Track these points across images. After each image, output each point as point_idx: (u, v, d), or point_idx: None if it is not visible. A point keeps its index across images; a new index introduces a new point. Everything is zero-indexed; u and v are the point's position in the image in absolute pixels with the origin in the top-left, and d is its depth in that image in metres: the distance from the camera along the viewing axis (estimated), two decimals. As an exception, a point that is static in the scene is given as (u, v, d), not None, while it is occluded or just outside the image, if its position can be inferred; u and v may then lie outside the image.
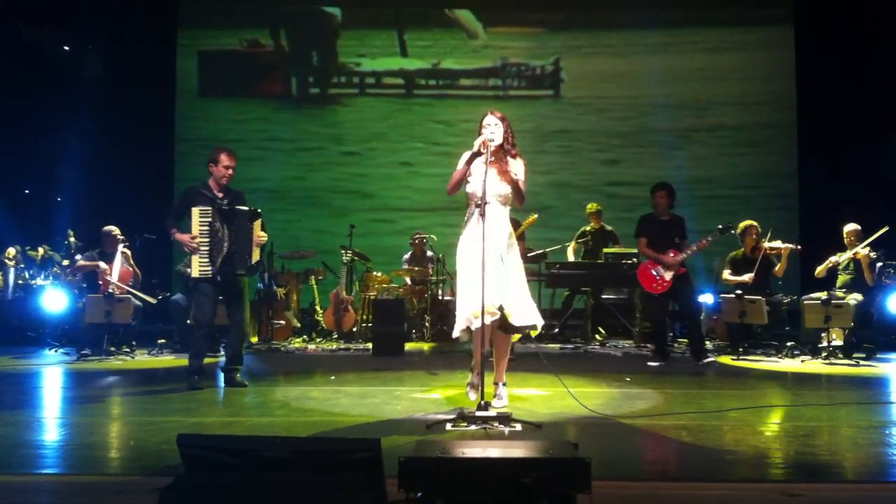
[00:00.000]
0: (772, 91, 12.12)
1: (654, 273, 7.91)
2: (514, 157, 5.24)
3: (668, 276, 7.85)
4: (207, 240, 6.15)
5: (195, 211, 6.18)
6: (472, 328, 5.02)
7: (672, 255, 7.88)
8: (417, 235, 10.32)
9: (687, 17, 12.35)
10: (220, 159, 6.26)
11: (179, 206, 6.37)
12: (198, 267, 6.16)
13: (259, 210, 6.39)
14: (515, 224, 8.42)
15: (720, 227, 8.22)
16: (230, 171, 6.29)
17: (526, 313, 5.15)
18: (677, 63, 12.19)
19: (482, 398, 4.77)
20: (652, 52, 12.18)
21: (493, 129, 5.18)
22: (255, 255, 6.36)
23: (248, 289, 6.63)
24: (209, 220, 6.16)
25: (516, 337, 5.37)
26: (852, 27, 11.09)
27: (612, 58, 12.31)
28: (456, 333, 5.16)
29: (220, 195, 6.30)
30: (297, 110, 12.50)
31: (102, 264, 8.65)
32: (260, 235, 6.35)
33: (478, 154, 5.07)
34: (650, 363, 7.88)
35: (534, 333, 5.32)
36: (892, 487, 3.60)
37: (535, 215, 8.93)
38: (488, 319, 4.86)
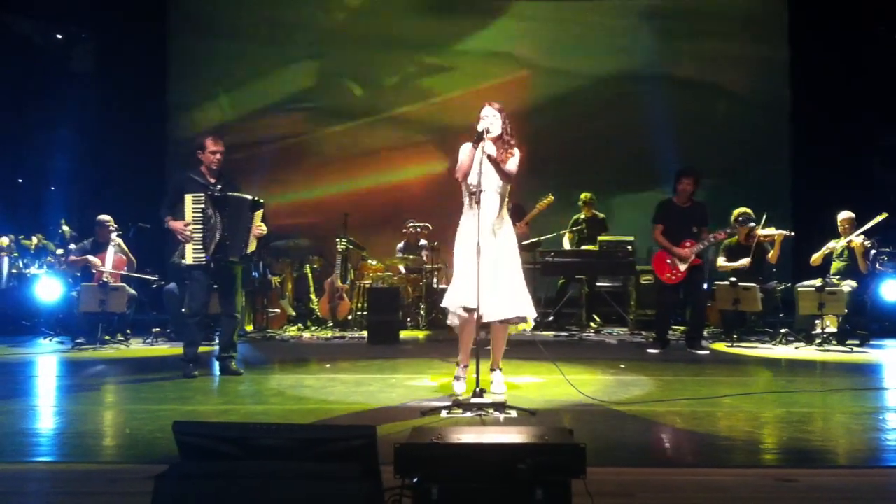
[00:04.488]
0: (766, 77, 12.07)
1: (669, 262, 7.86)
2: (512, 146, 5.25)
3: (684, 266, 7.77)
4: (200, 227, 6.12)
5: (188, 198, 6.15)
6: (457, 321, 5.21)
7: (689, 244, 7.80)
8: (411, 224, 10.31)
9: (678, 4, 12.34)
10: (205, 145, 6.24)
11: (173, 194, 6.33)
12: (191, 254, 6.14)
13: (261, 200, 6.35)
14: (521, 210, 8.41)
15: (740, 218, 8.21)
16: (217, 156, 6.25)
17: (515, 305, 5.17)
18: (670, 49, 12.14)
19: (477, 385, 4.78)
20: (643, 39, 12.13)
21: (490, 121, 5.20)
22: (252, 245, 6.32)
23: (242, 277, 6.61)
24: (202, 206, 6.13)
25: (520, 328, 5.38)
26: (848, 15, 11.07)
27: (601, 48, 12.26)
28: (451, 321, 5.31)
29: (213, 181, 6.27)
30: (292, 104, 12.42)
31: (92, 258, 8.63)
32: (260, 227, 6.31)
33: (481, 137, 5.07)
34: (650, 350, 7.89)
35: (527, 326, 5.35)
36: (884, 472, 3.62)
37: (551, 196, 8.77)
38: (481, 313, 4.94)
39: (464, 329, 5.27)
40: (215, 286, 6.39)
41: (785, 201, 11.76)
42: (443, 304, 5.39)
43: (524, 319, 5.26)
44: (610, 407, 4.93)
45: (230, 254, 6.21)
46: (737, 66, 12.10)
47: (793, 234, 8.86)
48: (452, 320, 5.28)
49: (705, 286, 9.27)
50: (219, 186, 6.24)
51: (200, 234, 6.13)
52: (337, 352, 7.97)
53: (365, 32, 12.30)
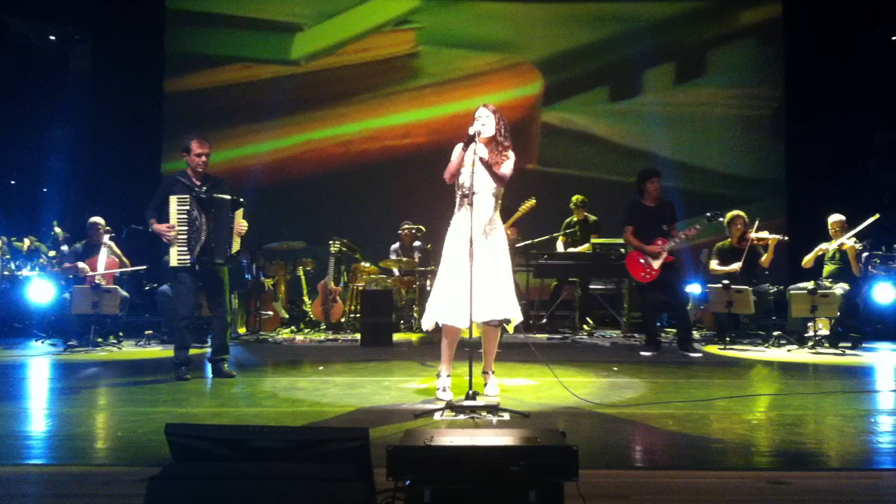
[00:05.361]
0: (761, 80, 12.10)
1: (643, 262, 7.89)
2: (506, 149, 5.23)
3: (657, 264, 7.81)
4: (185, 228, 6.10)
5: (172, 199, 6.13)
6: (440, 324, 5.18)
7: (660, 243, 7.83)
8: (406, 226, 10.30)
9: (676, 5, 12.36)
10: (191, 148, 6.20)
11: (158, 196, 6.29)
12: (176, 256, 6.12)
13: (241, 199, 6.33)
14: (509, 212, 8.44)
15: (708, 214, 8.17)
16: (203, 158, 6.22)
17: (505, 307, 5.15)
18: (666, 50, 12.16)
19: (470, 388, 4.78)
20: (640, 39, 12.14)
21: (483, 122, 5.19)
22: (236, 245, 6.31)
23: (230, 278, 6.57)
24: (186, 208, 6.11)
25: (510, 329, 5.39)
26: (842, 17, 11.11)
27: (596, 45, 12.26)
28: (425, 326, 5.29)
29: (199, 183, 6.24)
30: (287, 96, 12.39)
31: (81, 264, 8.62)
32: (241, 224, 6.30)
33: (472, 140, 5.05)
34: (643, 353, 7.90)
35: (509, 329, 5.37)
36: (876, 475, 3.63)
37: (534, 200, 8.83)
38: (465, 324, 4.95)
39: (446, 339, 5.27)
40: (200, 284, 6.36)
41: (780, 202, 11.79)
42: (423, 323, 5.32)
43: (508, 321, 5.25)
44: (603, 409, 4.93)
45: (216, 256, 6.19)
46: (733, 67, 12.13)
47: (787, 238, 8.87)
48: (427, 324, 5.27)
49: (700, 289, 9.31)
50: (204, 189, 6.23)
51: (185, 236, 6.12)
52: (330, 354, 7.96)
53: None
